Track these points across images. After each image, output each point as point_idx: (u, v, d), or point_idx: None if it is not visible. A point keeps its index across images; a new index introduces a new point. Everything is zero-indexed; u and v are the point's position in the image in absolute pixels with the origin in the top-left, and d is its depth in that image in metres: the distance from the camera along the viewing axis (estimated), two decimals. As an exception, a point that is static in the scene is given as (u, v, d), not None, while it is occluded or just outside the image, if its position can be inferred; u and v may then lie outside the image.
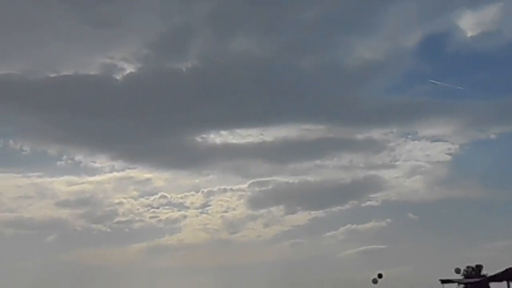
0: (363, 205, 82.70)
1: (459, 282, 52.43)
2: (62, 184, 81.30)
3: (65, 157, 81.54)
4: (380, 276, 52.53)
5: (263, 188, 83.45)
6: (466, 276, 55.12)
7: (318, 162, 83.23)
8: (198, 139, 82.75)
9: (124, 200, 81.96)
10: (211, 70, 79.18)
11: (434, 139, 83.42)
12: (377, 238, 79.22)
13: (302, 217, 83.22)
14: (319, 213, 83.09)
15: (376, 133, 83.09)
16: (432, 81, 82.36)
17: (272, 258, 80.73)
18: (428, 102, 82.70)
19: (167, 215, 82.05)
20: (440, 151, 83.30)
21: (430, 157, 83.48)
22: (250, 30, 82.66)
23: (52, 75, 79.00)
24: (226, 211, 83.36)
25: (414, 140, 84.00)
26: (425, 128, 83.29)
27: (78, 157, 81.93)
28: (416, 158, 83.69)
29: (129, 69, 79.91)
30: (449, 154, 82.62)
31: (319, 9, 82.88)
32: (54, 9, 76.00)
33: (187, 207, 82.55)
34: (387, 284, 53.51)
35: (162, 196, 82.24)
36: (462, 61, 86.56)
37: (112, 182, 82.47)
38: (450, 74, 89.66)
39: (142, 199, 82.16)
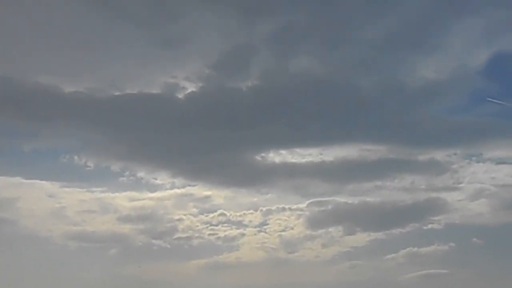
0: (424, 228, 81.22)
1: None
2: (124, 200, 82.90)
3: (127, 173, 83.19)
4: None
5: (322, 208, 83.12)
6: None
7: (378, 183, 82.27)
8: (258, 157, 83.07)
9: (184, 217, 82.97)
10: (271, 89, 79.75)
11: (500, 162, 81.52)
12: (439, 262, 77.75)
13: (361, 238, 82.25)
14: (379, 235, 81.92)
15: (439, 155, 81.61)
16: (490, 99, 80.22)
17: (330, 279, 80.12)
18: (493, 123, 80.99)
19: (225, 233, 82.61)
20: (506, 174, 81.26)
21: (495, 180, 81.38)
22: (311, 49, 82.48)
23: (117, 93, 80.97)
24: (284, 230, 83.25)
25: (478, 162, 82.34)
26: (490, 150, 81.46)
27: (140, 174, 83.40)
28: (480, 181, 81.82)
29: (191, 88, 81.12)
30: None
31: (382, 27, 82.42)
32: (119, 29, 78.24)
33: (246, 225, 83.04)
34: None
35: (221, 214, 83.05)
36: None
37: (172, 198, 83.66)
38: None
39: (202, 216, 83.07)
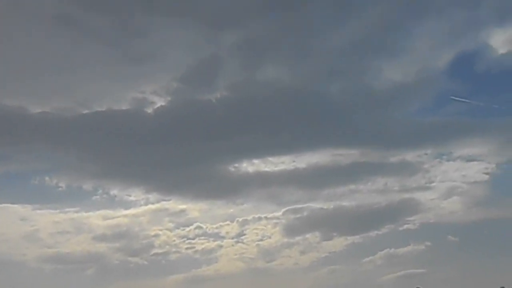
0: (400, 228, 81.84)
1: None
2: (98, 219, 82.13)
3: (100, 191, 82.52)
4: None
5: (298, 215, 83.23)
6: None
7: (352, 187, 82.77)
8: (231, 168, 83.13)
9: (160, 232, 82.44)
10: (240, 100, 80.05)
11: (470, 159, 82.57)
12: (416, 262, 78.33)
13: (338, 243, 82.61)
14: (356, 239, 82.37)
15: (410, 156, 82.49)
16: (454, 97, 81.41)
17: (310, 286, 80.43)
18: (461, 122, 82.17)
19: (203, 246, 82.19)
20: (476, 171, 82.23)
21: (466, 178, 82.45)
22: (278, 58, 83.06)
23: (85, 112, 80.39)
24: (261, 240, 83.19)
25: (449, 161, 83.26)
26: (459, 148, 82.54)
27: (113, 191, 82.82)
28: (452, 179, 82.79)
29: (160, 102, 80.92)
30: (486, 173, 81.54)
31: (346, 34, 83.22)
32: (85, 47, 77.77)
33: (223, 237, 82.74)
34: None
35: (197, 227, 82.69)
36: (494, 79, 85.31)
37: (147, 214, 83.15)
38: (482, 93, 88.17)
39: (178, 230, 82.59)
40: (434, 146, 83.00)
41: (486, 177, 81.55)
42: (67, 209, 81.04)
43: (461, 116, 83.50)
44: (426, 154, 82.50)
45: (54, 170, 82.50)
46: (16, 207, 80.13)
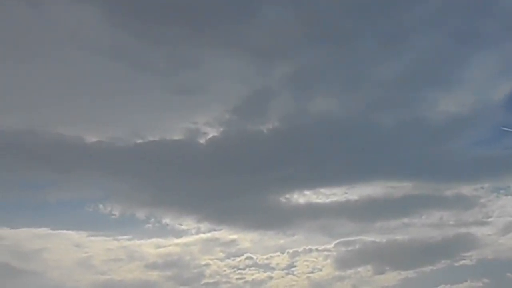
0: (456, 264, 79.85)
1: None
2: (150, 247, 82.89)
3: (152, 220, 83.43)
4: None
5: (349, 248, 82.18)
6: None
7: (405, 220, 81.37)
8: (282, 199, 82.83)
9: (210, 262, 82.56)
10: (292, 131, 79.85)
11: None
12: (474, 298, 76.23)
13: (391, 277, 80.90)
14: (410, 273, 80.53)
15: (465, 189, 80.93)
16: (505, 128, 78.98)
17: (363, 321, 78.92)
18: (520, 155, 79.76)
19: (253, 276, 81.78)
20: (536, 206, 79.85)
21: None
22: (329, 89, 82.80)
23: (139, 141, 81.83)
24: (312, 272, 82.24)
25: (507, 195, 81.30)
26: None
27: (165, 220, 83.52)
28: (510, 214, 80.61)
29: (212, 133, 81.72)
30: (546, 208, 78.94)
31: (400, 64, 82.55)
32: (138, 79, 79.27)
33: (273, 268, 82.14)
34: None
35: (247, 257, 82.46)
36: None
37: (198, 243, 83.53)
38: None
39: (228, 260, 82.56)
40: (491, 180, 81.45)
41: (546, 212, 79.00)
42: (120, 237, 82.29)
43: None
44: (483, 188, 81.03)
45: (108, 198, 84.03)
46: (71, 233, 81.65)
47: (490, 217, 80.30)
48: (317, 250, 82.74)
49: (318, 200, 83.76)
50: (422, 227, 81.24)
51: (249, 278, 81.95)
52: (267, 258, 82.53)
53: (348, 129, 79.70)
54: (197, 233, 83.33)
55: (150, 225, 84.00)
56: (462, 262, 79.16)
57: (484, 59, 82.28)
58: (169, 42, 79.33)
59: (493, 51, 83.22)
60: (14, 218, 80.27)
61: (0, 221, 78.19)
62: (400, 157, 79.84)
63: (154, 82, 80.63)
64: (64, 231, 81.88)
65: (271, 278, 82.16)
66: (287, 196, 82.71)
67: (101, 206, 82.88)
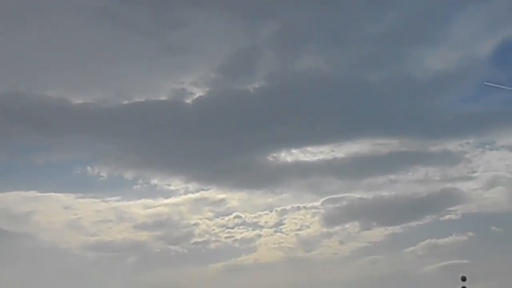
0: (441, 219, 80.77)
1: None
2: (139, 208, 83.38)
3: (140, 181, 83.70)
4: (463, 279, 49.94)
5: (337, 205, 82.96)
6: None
7: (392, 176, 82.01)
8: (270, 158, 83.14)
9: (199, 221, 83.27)
10: (278, 90, 79.81)
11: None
12: (458, 252, 77.14)
13: (378, 233, 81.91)
14: (396, 229, 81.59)
15: (451, 145, 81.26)
16: (488, 83, 79.13)
17: (351, 275, 79.65)
18: (505, 110, 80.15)
19: (242, 235, 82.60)
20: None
21: (510, 167, 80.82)
22: (316, 47, 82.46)
23: (125, 102, 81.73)
24: (300, 229, 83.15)
25: (492, 150, 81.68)
26: (503, 138, 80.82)
27: (153, 181, 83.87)
28: (495, 169, 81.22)
29: (198, 93, 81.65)
30: (531, 163, 79.80)
31: (386, 22, 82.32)
32: (123, 39, 78.77)
33: (262, 226, 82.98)
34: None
35: (236, 216, 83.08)
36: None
37: (187, 203, 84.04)
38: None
39: (217, 220, 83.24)
40: (476, 135, 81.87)
41: (531, 166, 79.87)
42: (109, 198, 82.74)
43: (504, 105, 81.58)
44: (468, 143, 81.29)
45: (96, 160, 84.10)
46: (60, 196, 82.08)
47: (475, 172, 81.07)
48: (304, 208, 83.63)
49: (305, 159, 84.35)
50: (408, 183, 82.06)
51: (238, 236, 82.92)
52: (255, 217, 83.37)
53: (335, 87, 79.71)
54: (186, 193, 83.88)
55: (138, 186, 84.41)
56: (447, 216, 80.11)
57: (470, 15, 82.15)
58: (154, 2, 78.82)
59: (479, 6, 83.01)
60: (2, 181, 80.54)
61: (-11, 185, 78.70)
62: (386, 114, 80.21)
63: (140, 42, 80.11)
64: (53, 194, 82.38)
65: (259, 236, 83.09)
66: (275, 155, 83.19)
67: (89, 168, 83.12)
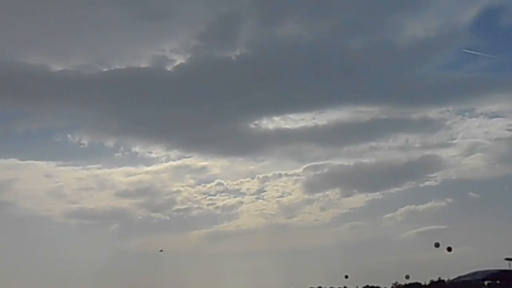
0: (421, 185, 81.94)
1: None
2: (120, 175, 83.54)
3: (122, 148, 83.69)
4: (449, 249, 50.69)
5: (318, 172, 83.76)
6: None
7: (373, 144, 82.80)
8: (251, 125, 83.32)
9: (181, 189, 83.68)
10: (260, 57, 79.37)
11: (493, 115, 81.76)
12: (437, 218, 78.29)
13: (359, 199, 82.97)
14: (376, 195, 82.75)
15: (431, 112, 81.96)
16: (467, 50, 79.26)
17: (331, 241, 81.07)
18: (484, 78, 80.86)
19: (224, 202, 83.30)
20: (499, 128, 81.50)
21: (489, 134, 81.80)
22: (298, 14, 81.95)
23: (105, 70, 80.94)
24: (282, 196, 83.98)
25: (471, 117, 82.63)
26: (482, 105, 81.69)
27: (135, 148, 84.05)
28: (474, 136, 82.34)
29: (179, 60, 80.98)
30: (510, 130, 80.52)
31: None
32: (104, 6, 77.66)
33: (244, 193, 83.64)
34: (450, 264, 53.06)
35: (218, 183, 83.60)
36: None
37: (168, 171, 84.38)
38: (507, 49, 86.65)
39: (199, 187, 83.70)
40: (456, 102, 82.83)
41: (510, 133, 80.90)
42: (90, 166, 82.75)
43: (483, 72, 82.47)
44: (448, 110, 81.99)
45: (76, 127, 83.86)
46: (40, 163, 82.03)
47: (455, 139, 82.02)
48: (286, 175, 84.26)
49: (287, 126, 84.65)
50: (389, 150, 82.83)
51: (220, 203, 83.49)
52: (237, 184, 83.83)
53: (317, 53, 79.17)
54: (167, 160, 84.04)
55: (119, 154, 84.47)
56: (426, 183, 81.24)
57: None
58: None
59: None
60: (-18, 149, 79.93)
61: (-31, 153, 77.98)
62: (368, 81, 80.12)
63: (120, 9, 79.13)
64: (33, 161, 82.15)
65: (241, 203, 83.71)
66: (256, 122, 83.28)
67: (69, 135, 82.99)
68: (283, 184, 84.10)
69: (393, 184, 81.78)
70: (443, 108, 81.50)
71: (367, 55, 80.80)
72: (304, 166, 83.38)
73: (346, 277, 58.18)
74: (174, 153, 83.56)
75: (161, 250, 53.05)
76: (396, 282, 62.57)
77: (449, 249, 49.92)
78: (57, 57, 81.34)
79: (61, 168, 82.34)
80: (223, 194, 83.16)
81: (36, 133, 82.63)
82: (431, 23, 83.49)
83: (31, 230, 77.81)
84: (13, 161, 79.86)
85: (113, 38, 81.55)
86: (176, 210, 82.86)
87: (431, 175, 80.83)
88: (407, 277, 55.10)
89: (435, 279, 60.79)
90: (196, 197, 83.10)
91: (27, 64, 77.74)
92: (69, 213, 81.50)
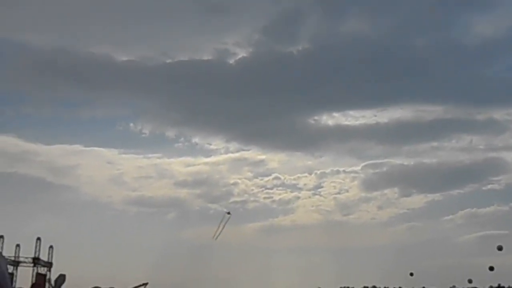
0: (483, 188, 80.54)
1: None
2: (180, 165, 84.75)
3: (182, 139, 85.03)
4: (499, 248, 49.41)
5: (377, 170, 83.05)
6: None
7: (434, 144, 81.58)
8: (311, 121, 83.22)
9: (239, 181, 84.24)
10: (322, 53, 79.22)
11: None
12: (499, 223, 76.93)
13: (418, 200, 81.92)
14: (436, 196, 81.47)
15: (497, 114, 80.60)
16: None
17: (387, 241, 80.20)
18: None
19: (280, 196, 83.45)
20: None
21: (557, 138, 79.39)
22: (362, 11, 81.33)
23: (169, 61, 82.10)
24: (339, 193, 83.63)
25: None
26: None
27: (195, 139, 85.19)
28: (542, 139, 79.93)
29: (241, 53, 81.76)
30: None
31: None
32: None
33: (300, 189, 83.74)
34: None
35: (275, 177, 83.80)
36: None
37: (227, 163, 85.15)
38: None
39: (256, 180, 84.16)
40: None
41: None
42: (150, 155, 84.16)
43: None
44: (515, 112, 79.75)
45: (138, 116, 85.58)
46: (103, 150, 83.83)
47: (521, 142, 79.86)
48: (344, 171, 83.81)
49: (347, 122, 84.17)
50: (451, 150, 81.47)
51: (276, 197, 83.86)
52: (294, 179, 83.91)
53: (380, 51, 78.29)
54: (226, 152, 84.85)
55: (179, 144, 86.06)
56: (490, 186, 79.78)
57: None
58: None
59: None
60: (48, 134, 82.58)
61: (35, 138, 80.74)
62: (431, 80, 78.75)
63: (185, 2, 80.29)
64: (96, 148, 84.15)
65: (298, 198, 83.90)
66: (316, 117, 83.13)
67: (131, 124, 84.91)
68: (341, 181, 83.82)
69: (455, 186, 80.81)
70: (510, 110, 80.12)
71: (432, 54, 79.72)
72: (363, 164, 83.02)
73: (411, 274, 57.16)
74: (233, 145, 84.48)
75: (228, 213, 53.52)
76: (454, 286, 61.32)
77: (500, 248, 48.69)
78: (122, 48, 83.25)
79: (123, 155, 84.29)
80: (280, 188, 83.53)
81: (100, 121, 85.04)
82: (500, 23, 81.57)
83: (91, 215, 79.62)
84: (77, 147, 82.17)
85: (177, 30, 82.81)
86: (232, 202, 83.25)
87: (495, 178, 79.58)
88: (470, 281, 53.69)
89: (495, 285, 59.34)
90: (253, 190, 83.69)
91: (93, 54, 80.00)
92: (129, 200, 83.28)
